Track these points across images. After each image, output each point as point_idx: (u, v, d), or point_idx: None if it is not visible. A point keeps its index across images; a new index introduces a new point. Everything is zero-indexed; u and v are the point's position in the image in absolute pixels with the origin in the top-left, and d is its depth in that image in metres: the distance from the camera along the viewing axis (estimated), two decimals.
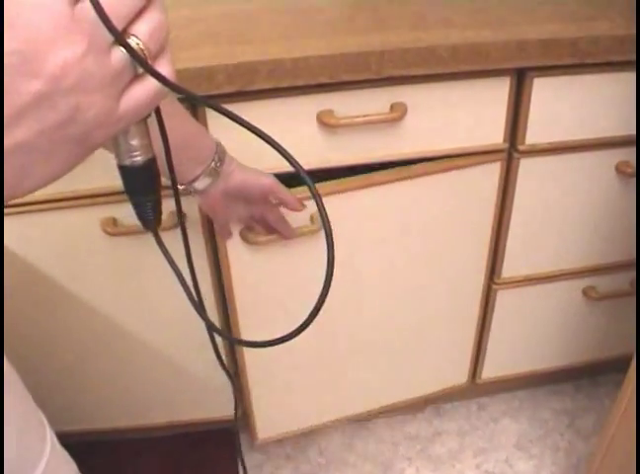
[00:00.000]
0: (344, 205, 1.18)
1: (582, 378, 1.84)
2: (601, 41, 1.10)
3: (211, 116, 1.07)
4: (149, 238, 0.59)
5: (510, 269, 1.41)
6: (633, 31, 1.11)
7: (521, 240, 1.36)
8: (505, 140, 1.21)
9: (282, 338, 0.64)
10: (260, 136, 0.53)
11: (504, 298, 1.46)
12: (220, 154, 0.93)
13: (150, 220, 0.56)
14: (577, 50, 1.10)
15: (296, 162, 0.55)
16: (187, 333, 1.35)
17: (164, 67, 0.41)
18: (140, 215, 0.56)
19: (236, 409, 1.03)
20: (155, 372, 1.46)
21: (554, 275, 1.45)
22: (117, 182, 0.51)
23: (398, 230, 1.28)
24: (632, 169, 1.27)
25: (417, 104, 1.13)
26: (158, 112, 0.51)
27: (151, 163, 0.51)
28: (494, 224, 1.32)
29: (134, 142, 0.49)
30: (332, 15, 1.22)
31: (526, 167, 1.24)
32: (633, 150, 1.26)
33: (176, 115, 0.85)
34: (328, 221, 0.58)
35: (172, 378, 1.47)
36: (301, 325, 0.62)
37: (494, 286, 1.43)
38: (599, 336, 1.62)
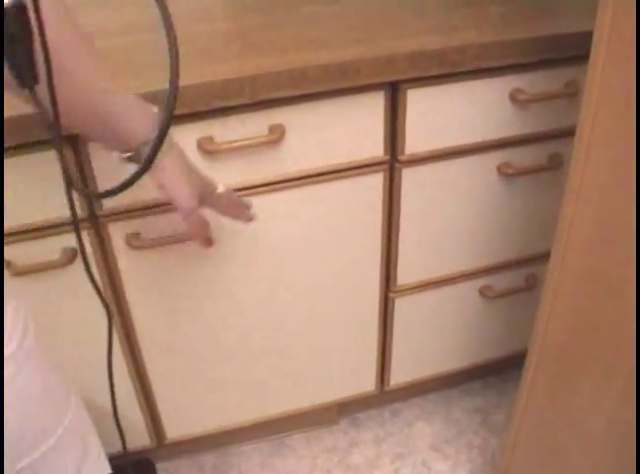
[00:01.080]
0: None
1: (490, 375, 1.89)
2: (469, 50, 1.13)
3: None
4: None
5: (405, 276, 1.43)
6: (498, 37, 1.15)
7: (413, 247, 1.39)
8: (385, 152, 1.23)
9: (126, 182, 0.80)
10: None
11: (402, 305, 1.48)
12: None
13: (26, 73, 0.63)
14: (445, 60, 1.13)
15: None
16: (88, 363, 1.33)
17: None
18: (18, 70, 0.63)
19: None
20: None
21: (450, 277, 1.48)
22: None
23: (289, 242, 1.30)
24: (513, 170, 1.32)
25: (295, 124, 1.14)
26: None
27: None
28: (384, 233, 1.34)
29: None
30: (207, 44, 1.22)
31: (409, 176, 1.27)
32: (512, 151, 1.31)
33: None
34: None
35: None
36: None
37: (391, 295, 1.45)
38: (499, 333, 1.67)
